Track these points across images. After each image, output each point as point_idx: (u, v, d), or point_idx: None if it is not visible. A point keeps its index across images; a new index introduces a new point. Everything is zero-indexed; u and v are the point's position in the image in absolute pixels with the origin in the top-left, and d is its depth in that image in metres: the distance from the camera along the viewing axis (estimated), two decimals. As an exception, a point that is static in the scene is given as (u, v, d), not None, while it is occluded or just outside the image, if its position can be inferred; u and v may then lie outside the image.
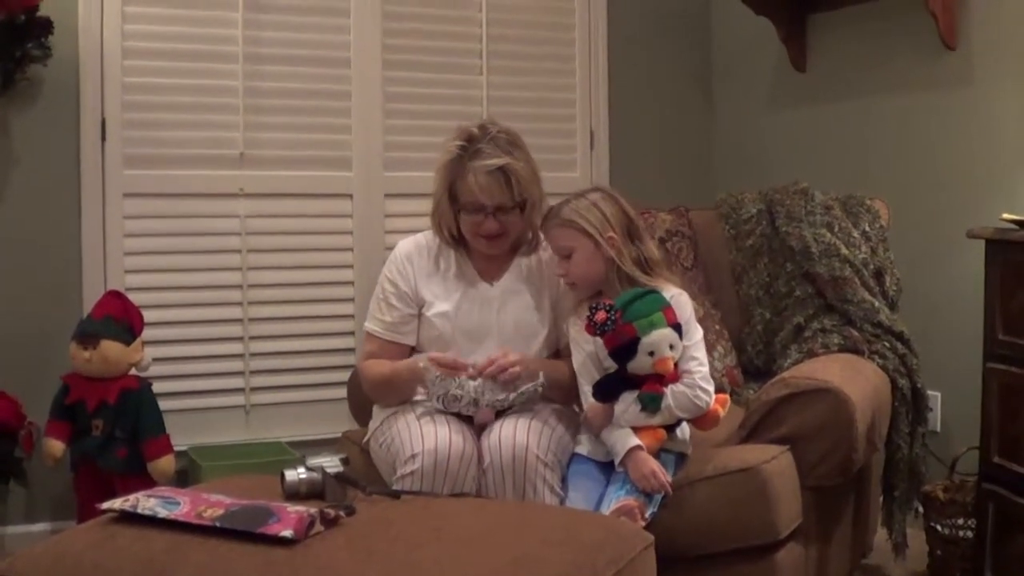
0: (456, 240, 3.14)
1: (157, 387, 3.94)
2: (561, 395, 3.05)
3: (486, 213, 3.01)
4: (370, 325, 3.17)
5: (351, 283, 4.41)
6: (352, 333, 4.38)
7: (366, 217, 4.44)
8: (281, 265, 4.34)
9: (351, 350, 4.37)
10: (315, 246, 4.40)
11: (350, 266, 4.42)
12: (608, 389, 2.82)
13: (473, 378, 2.88)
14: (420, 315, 3.12)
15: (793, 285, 3.64)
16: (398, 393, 3.06)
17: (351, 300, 4.41)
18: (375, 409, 3.16)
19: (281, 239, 4.34)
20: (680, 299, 2.90)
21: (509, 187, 2.99)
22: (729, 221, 3.87)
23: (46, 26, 3.83)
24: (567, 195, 3.04)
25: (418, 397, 3.03)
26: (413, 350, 3.14)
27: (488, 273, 3.16)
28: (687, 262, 3.81)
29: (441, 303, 3.10)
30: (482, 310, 3.09)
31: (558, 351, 3.16)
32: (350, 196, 4.43)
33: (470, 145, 3.02)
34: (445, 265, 3.15)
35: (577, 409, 3.05)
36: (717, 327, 3.70)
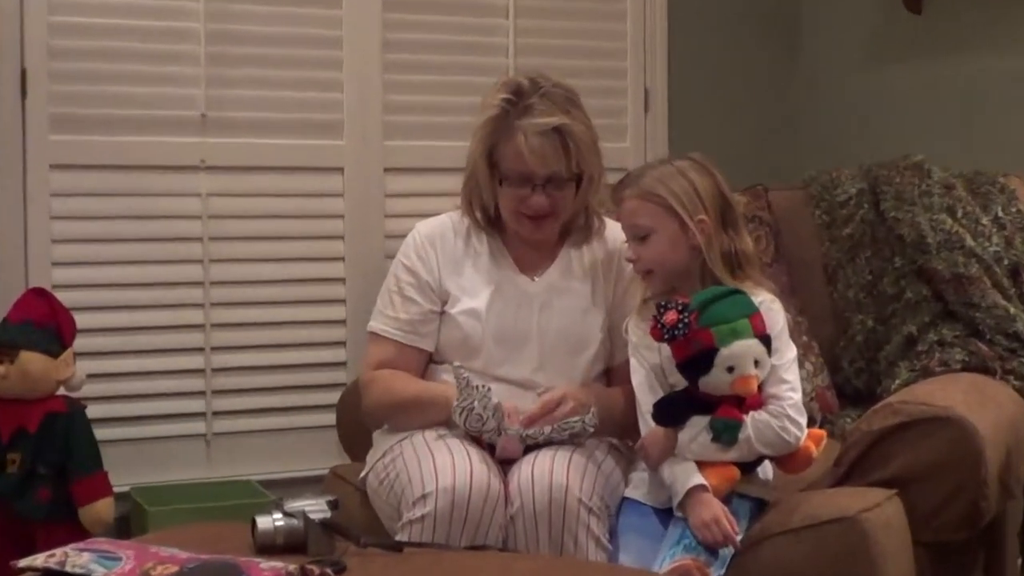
0: (490, 222, 3.20)
1: (92, 411, 3.91)
2: (612, 430, 3.08)
3: (533, 185, 3.05)
4: (378, 325, 3.20)
5: (342, 280, 4.39)
6: (343, 343, 4.37)
7: (361, 197, 4.42)
8: (253, 257, 4.31)
9: (342, 364, 4.35)
10: (297, 233, 4.36)
11: (341, 258, 4.39)
12: (672, 411, 2.83)
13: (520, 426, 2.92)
14: (442, 313, 3.16)
15: (903, 285, 3.66)
16: (421, 419, 3.07)
17: (342, 302, 4.39)
18: (376, 437, 3.21)
19: (253, 224, 4.31)
20: (773, 307, 2.94)
21: (565, 153, 3.03)
22: (821, 204, 3.91)
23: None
24: (645, 166, 3.08)
25: (434, 427, 3.05)
26: (431, 358, 3.17)
27: (529, 265, 3.20)
28: (766, 256, 3.82)
29: (469, 299, 3.14)
30: (519, 310, 3.13)
31: (611, 370, 3.21)
32: (341, 170, 4.41)
33: (519, 100, 3.05)
34: (476, 253, 3.21)
35: (630, 444, 3.06)
36: (804, 338, 3.73)
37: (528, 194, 3.05)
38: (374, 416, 3.20)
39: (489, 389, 2.92)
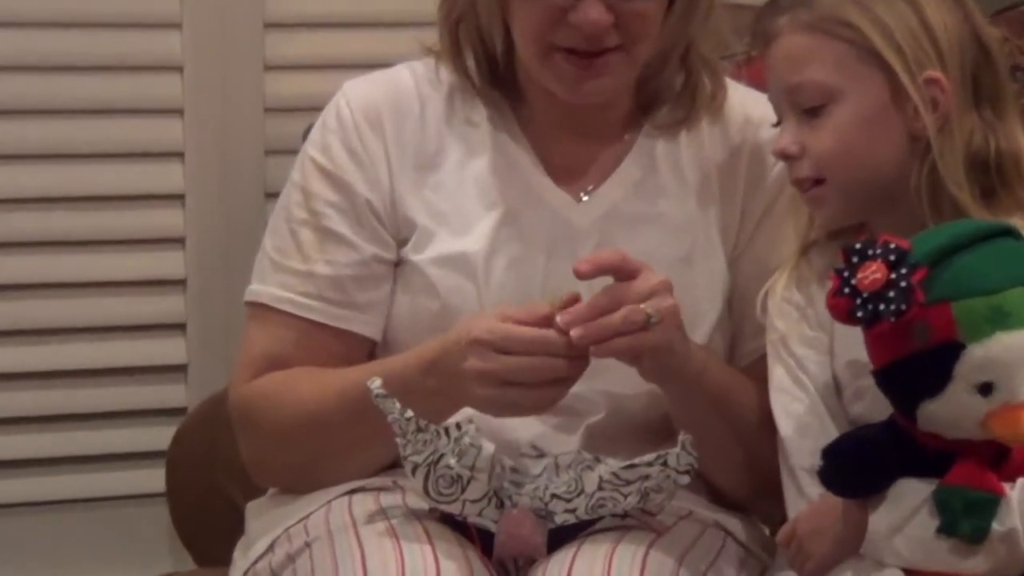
0: (496, 79, 3.25)
1: None
2: (729, 462, 3.14)
3: None
4: (269, 288, 3.25)
5: (180, 198, 4.47)
6: (182, 327, 4.46)
7: (217, 35, 4.44)
8: (8, 152, 4.35)
9: (179, 370, 4.46)
10: (91, 103, 4.43)
11: (178, 154, 4.47)
12: (859, 466, 2.73)
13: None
14: (398, 263, 3.21)
15: None
16: (356, 452, 3.13)
17: (179, 241, 4.48)
18: (252, 513, 3.32)
19: (11, 89, 4.35)
20: None
21: None
22: None
23: None
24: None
25: (376, 481, 3.13)
26: (373, 351, 3.23)
27: (572, 168, 3.25)
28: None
29: (452, 234, 3.19)
30: (552, 258, 3.18)
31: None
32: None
33: None
34: (467, 144, 3.24)
35: (767, 530, 3.22)
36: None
37: (572, 2, 2.96)
38: (264, 468, 3.26)
39: (472, 426, 2.86)
